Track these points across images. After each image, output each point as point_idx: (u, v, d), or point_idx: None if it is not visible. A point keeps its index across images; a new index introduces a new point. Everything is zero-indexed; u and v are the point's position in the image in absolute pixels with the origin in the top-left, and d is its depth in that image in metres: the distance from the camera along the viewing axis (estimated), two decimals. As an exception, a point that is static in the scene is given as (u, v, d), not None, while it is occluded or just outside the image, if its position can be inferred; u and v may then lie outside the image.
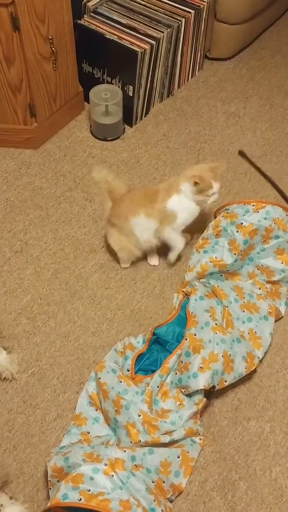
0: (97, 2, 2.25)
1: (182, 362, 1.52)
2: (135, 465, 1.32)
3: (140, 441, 1.38)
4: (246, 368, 1.53)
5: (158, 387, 1.52)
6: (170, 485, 1.38)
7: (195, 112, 2.38)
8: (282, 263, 1.72)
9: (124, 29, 2.15)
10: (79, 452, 1.32)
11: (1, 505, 1.30)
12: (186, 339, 1.55)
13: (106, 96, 2.17)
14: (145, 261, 1.87)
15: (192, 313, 1.61)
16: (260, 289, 1.73)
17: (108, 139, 2.25)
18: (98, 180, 1.80)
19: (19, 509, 1.32)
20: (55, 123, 2.23)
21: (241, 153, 2.20)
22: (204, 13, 2.27)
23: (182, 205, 1.67)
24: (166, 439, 1.41)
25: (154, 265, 1.86)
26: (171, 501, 1.39)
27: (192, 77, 2.51)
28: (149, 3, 2.27)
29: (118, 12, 2.23)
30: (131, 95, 2.20)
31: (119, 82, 2.21)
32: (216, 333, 1.53)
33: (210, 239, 1.73)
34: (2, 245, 1.91)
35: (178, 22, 2.17)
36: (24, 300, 1.77)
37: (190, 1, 2.25)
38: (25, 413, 1.54)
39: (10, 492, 1.40)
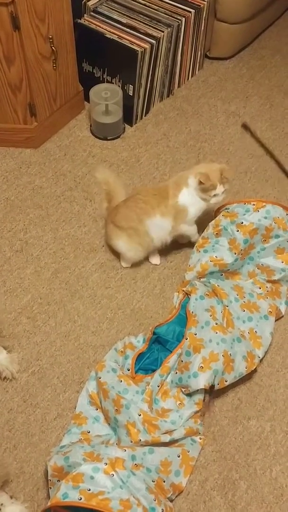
0: (97, 2, 2.24)
1: (182, 361, 1.52)
2: (135, 464, 1.32)
3: (140, 440, 1.38)
4: (246, 368, 1.53)
5: (158, 386, 1.52)
6: (171, 484, 1.38)
7: (195, 111, 2.38)
8: (282, 262, 1.72)
9: (124, 28, 2.15)
10: (79, 452, 1.32)
11: (2, 504, 1.30)
12: (186, 339, 1.55)
13: (106, 96, 2.17)
14: (145, 261, 1.87)
15: (192, 312, 1.60)
16: (260, 288, 1.73)
17: (108, 138, 2.25)
18: (100, 180, 1.81)
19: (20, 508, 1.32)
20: (55, 123, 2.23)
21: (245, 126, 2.15)
22: (204, 13, 2.27)
23: (192, 198, 1.69)
24: (166, 438, 1.41)
25: (156, 264, 1.86)
26: (171, 501, 1.39)
27: (192, 76, 2.51)
28: (149, 2, 2.27)
29: (118, 12, 2.23)
30: (131, 94, 2.20)
31: (119, 81, 2.21)
32: (217, 332, 1.53)
33: (211, 238, 1.73)
34: (2, 244, 1.91)
35: (178, 22, 2.17)
36: (24, 300, 1.77)
37: (190, 1, 2.25)
38: (25, 412, 1.54)
39: (10, 491, 1.40)
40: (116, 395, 1.45)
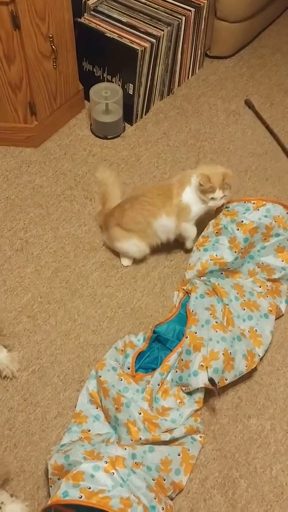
0: (97, 1, 2.24)
1: (182, 360, 1.52)
2: (135, 462, 1.32)
3: (140, 439, 1.39)
4: (246, 366, 1.53)
5: (158, 385, 1.52)
6: (171, 482, 1.38)
7: (196, 110, 2.38)
8: (283, 261, 1.72)
9: (125, 27, 2.15)
10: (79, 450, 1.32)
11: (2, 502, 1.30)
12: (186, 337, 1.55)
13: (107, 95, 2.17)
14: (145, 259, 1.87)
15: (192, 311, 1.60)
16: (260, 287, 1.73)
17: (109, 137, 2.25)
18: (100, 180, 1.83)
19: (20, 507, 1.32)
20: (55, 122, 2.23)
21: (247, 103, 2.14)
22: (205, 11, 2.27)
23: (194, 197, 1.70)
24: (166, 437, 1.41)
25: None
26: (171, 499, 1.39)
27: (192, 75, 2.51)
28: (149, 1, 2.27)
29: (118, 11, 2.23)
30: (132, 93, 2.20)
31: (119, 80, 2.21)
32: (217, 331, 1.53)
33: (211, 237, 1.73)
34: (3, 243, 1.91)
35: (179, 20, 2.17)
36: (25, 299, 1.77)
37: (190, -1, 2.25)
38: (26, 411, 1.55)
39: (10, 490, 1.40)
40: (116, 393, 1.45)
